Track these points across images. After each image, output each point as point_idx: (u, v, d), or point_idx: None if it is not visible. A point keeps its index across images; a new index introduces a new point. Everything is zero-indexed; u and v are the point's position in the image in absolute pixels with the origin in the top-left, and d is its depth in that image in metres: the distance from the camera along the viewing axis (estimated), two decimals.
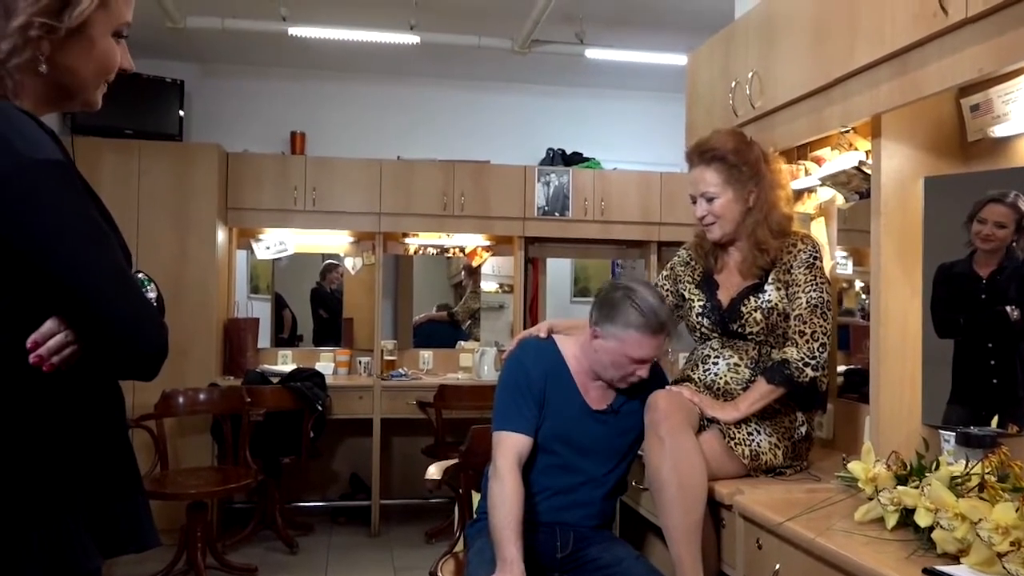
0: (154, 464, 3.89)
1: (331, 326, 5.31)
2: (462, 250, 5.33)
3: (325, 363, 4.98)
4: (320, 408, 4.41)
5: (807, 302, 2.05)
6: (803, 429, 2.13)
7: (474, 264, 5.38)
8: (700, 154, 2.17)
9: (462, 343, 5.30)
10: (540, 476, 2.14)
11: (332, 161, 4.87)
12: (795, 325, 2.05)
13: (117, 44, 1.14)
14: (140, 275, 1.15)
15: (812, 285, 2.07)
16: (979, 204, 1.89)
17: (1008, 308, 1.85)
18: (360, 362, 5.01)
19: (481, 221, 4.95)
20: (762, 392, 2.03)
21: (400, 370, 5.01)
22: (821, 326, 2.03)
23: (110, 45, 1.13)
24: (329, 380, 4.64)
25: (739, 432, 2.03)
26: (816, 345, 2.01)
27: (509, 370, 2.21)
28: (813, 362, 2.01)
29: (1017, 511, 1.38)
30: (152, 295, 1.17)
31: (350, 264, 5.24)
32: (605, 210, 5.02)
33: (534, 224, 5.00)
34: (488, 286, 5.46)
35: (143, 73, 4.66)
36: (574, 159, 5.27)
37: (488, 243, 5.30)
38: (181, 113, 4.88)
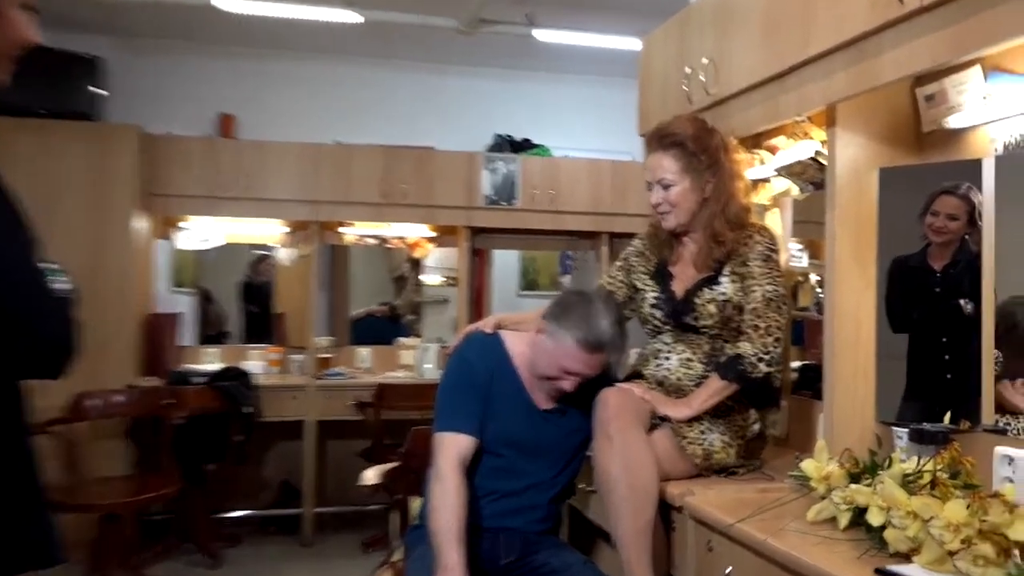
0: (63, 473, 3.77)
1: (262, 322, 5.24)
2: (404, 241, 5.30)
3: (255, 361, 4.91)
4: (248, 410, 4.34)
5: (762, 295, 2.09)
6: (756, 427, 2.18)
7: (416, 256, 5.37)
8: (659, 139, 2.20)
9: (403, 339, 5.28)
10: (484, 479, 2.15)
11: (265, 145, 4.79)
12: (749, 319, 2.09)
13: (25, 17, 1.11)
14: (53, 265, 1.11)
15: (768, 278, 2.11)
16: (932, 196, 1.95)
17: (962, 302, 1.91)
18: (293, 360, 4.95)
19: (424, 210, 4.93)
20: (715, 388, 2.07)
21: (336, 369, 4.97)
22: (776, 320, 2.08)
23: (19, 18, 1.10)
24: (259, 380, 4.58)
25: (691, 431, 2.06)
26: (770, 340, 2.06)
27: (452, 367, 2.21)
28: (767, 357, 2.05)
29: (968, 508, 1.43)
30: (65, 286, 1.14)
31: (283, 255, 5.18)
32: (555, 199, 5.05)
33: (480, 214, 5.00)
34: (431, 279, 5.45)
35: (56, 48, 4.51)
36: (523, 146, 5.28)
37: (431, 234, 5.29)
38: (97, 91, 4.74)
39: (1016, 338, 1.81)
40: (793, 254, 2.58)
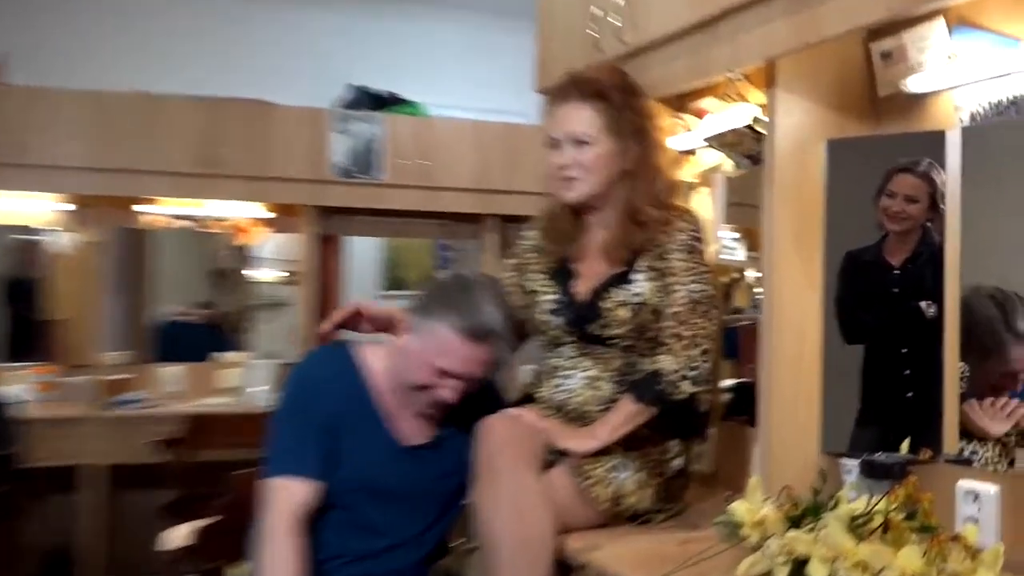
0: None
1: (28, 332, 5.04)
2: (227, 224, 5.22)
3: (18, 385, 4.72)
4: (6, 452, 4.18)
5: (687, 297, 2.17)
6: (678, 462, 2.25)
7: (245, 244, 5.29)
8: (575, 85, 2.25)
9: (225, 354, 5.19)
10: (332, 538, 2.15)
11: (40, 93, 4.60)
12: (671, 326, 2.17)
13: None
14: None
15: (692, 275, 2.19)
16: (888, 174, 2.08)
17: (923, 304, 2.04)
18: (72, 384, 4.79)
19: (256, 184, 4.85)
20: (628, 413, 2.13)
21: (133, 394, 4.83)
22: (703, 328, 2.16)
23: None
24: (24, 410, 4.41)
25: (596, 468, 2.12)
26: (697, 352, 2.14)
27: (289, 392, 2.21)
28: (693, 374, 2.13)
29: (924, 555, 1.55)
30: None
31: (60, 242, 5.01)
32: (429, 172, 5.06)
33: (331, 189, 4.97)
34: (265, 274, 5.39)
35: None
36: (388, 101, 5.26)
37: (266, 214, 5.22)
38: None
39: (980, 342, 1.94)
40: (726, 245, 2.68)
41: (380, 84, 5.36)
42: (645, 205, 2.22)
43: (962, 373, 1.96)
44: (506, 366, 2.27)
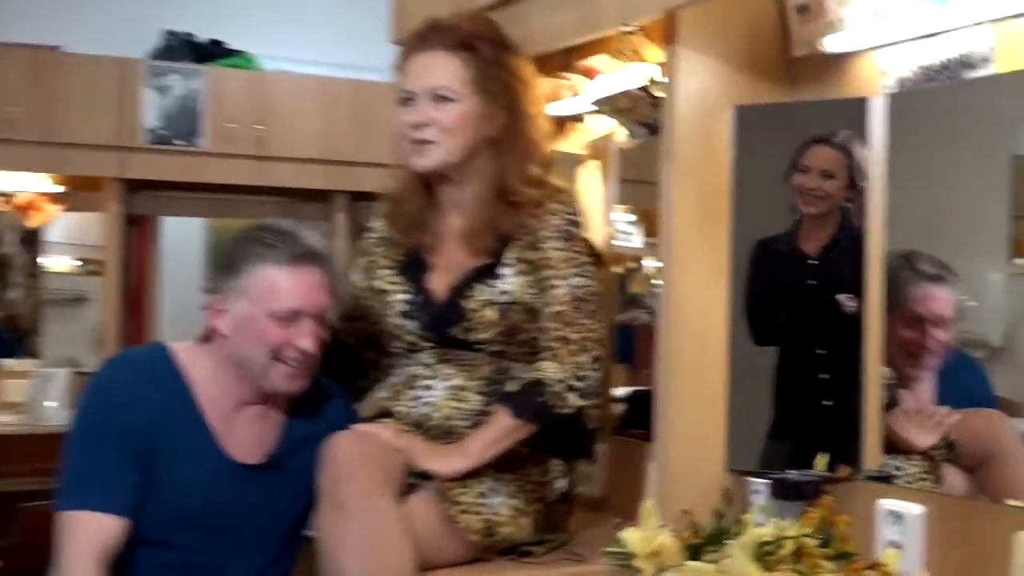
0: None
1: None
2: (8, 200, 5.09)
3: None
4: None
5: (570, 293, 2.21)
6: (561, 484, 2.30)
7: (32, 225, 5.17)
8: (440, 32, 2.27)
9: (7, 362, 5.07)
10: None
11: None
12: (554, 328, 2.21)
13: None
14: None
15: (574, 267, 2.24)
16: (802, 147, 2.16)
17: (842, 298, 2.13)
18: None
19: (44, 150, 4.74)
20: (503, 429, 2.17)
21: None
22: (592, 330, 2.22)
23: None
24: None
25: (465, 493, 2.15)
26: (586, 359, 2.19)
27: (89, 405, 2.18)
28: (581, 385, 2.18)
29: None
30: None
31: None
32: (264, 139, 5.01)
33: (141, 159, 4.88)
34: (57, 263, 5.29)
35: None
36: (212, 52, 5.20)
37: (57, 188, 5.10)
38: None
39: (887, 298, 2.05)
40: (620, 228, 2.74)
41: (203, 30, 5.29)
42: (515, 182, 2.26)
43: (887, 379, 2.07)
44: (344, 296, 2.27)
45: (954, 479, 2.00)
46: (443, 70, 2.25)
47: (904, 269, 2.05)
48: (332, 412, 2.29)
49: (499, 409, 2.19)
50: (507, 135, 2.28)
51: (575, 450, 2.35)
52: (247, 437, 2.21)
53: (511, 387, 2.21)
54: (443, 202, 2.34)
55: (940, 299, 2.03)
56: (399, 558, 2.01)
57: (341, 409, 2.34)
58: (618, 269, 2.75)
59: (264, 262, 2.11)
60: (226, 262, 2.17)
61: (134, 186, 5.01)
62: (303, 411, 2.26)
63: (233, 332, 2.14)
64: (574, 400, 2.18)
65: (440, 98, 2.24)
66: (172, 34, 5.20)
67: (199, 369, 2.20)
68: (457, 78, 2.24)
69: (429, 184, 2.33)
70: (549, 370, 2.18)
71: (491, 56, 2.27)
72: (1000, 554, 1.75)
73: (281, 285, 2.11)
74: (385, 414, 2.31)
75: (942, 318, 2.02)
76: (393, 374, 2.38)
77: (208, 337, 2.21)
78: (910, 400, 2.08)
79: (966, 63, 1.91)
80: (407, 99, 2.27)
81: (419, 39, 2.30)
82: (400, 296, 2.33)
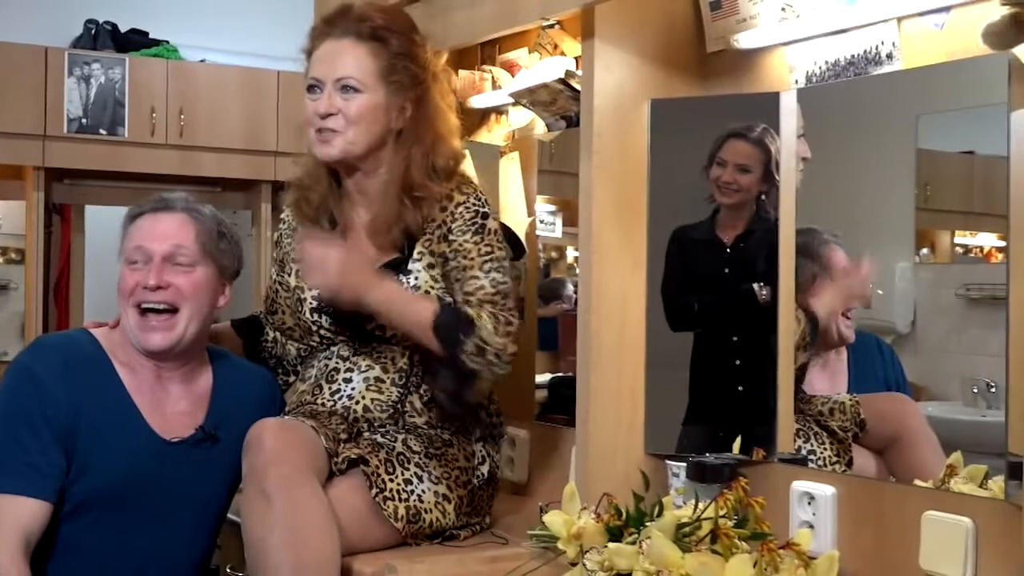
0: None
1: None
2: None
3: None
4: None
5: (493, 287, 2.21)
6: (484, 469, 2.32)
7: None
8: (349, 21, 2.24)
9: None
10: (69, 565, 2.14)
11: None
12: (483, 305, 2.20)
13: None
14: None
15: (491, 261, 2.23)
16: (720, 140, 2.20)
17: (756, 286, 2.18)
18: None
19: None
20: (417, 319, 2.15)
21: None
22: (513, 320, 2.21)
23: None
24: None
25: (392, 480, 2.16)
26: (509, 343, 2.17)
27: (12, 391, 2.17)
28: (498, 361, 2.14)
29: (755, 565, 1.67)
30: None
31: None
32: (187, 128, 5.00)
33: (63, 148, 4.85)
34: None
35: None
36: (134, 42, 5.16)
37: None
38: None
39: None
40: (542, 219, 2.77)
41: (125, 20, 5.24)
42: (420, 176, 2.25)
43: (800, 364, 2.12)
44: (234, 257, 2.29)
45: (864, 461, 2.04)
46: (351, 60, 2.22)
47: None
48: (257, 385, 2.35)
49: (432, 309, 2.16)
50: (414, 127, 2.27)
51: (453, 414, 2.29)
52: (174, 414, 2.22)
53: (451, 311, 2.17)
54: (349, 191, 2.33)
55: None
56: (325, 544, 2.01)
57: (266, 381, 2.40)
58: (542, 258, 2.78)
59: (131, 219, 2.21)
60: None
61: (56, 175, 4.97)
62: (229, 385, 2.29)
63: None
64: (488, 365, 2.13)
65: (347, 88, 2.21)
66: (93, 23, 5.14)
67: (117, 347, 2.22)
68: (365, 69, 2.22)
69: (336, 173, 2.32)
70: (488, 326, 2.14)
71: (400, 48, 2.25)
72: (908, 533, 1.80)
73: (133, 231, 2.20)
74: (303, 404, 2.30)
75: None
76: (311, 365, 2.39)
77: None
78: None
79: (872, 59, 1.95)
80: (313, 86, 2.25)
81: (328, 24, 2.27)
82: (311, 292, 2.32)
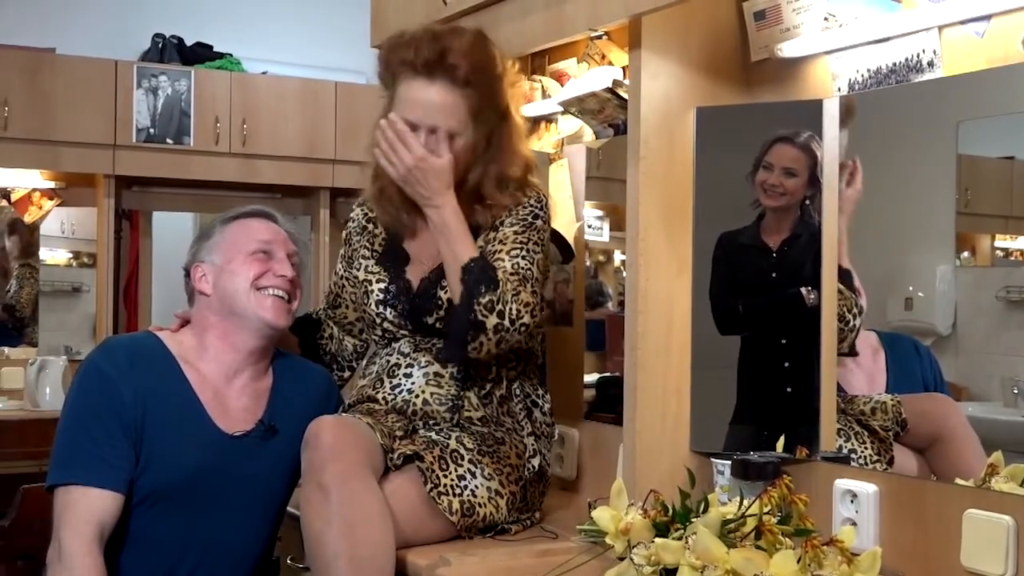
0: None
1: None
2: (6, 196, 5.06)
3: None
4: None
5: (513, 268, 2.18)
6: (535, 463, 2.31)
7: (27, 219, 5.14)
8: (439, 63, 2.20)
9: (6, 350, 5.05)
10: (139, 555, 2.15)
11: None
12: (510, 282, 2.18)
13: None
14: None
15: (520, 247, 2.23)
16: (766, 144, 2.17)
17: (804, 290, 2.15)
18: None
19: (39, 148, 4.73)
20: (459, 253, 2.17)
21: None
22: (534, 306, 2.18)
23: None
24: None
25: (446, 476, 2.15)
26: (527, 312, 2.15)
27: (83, 388, 2.18)
28: (513, 324, 2.12)
29: (799, 561, 1.64)
30: None
31: None
32: (249, 137, 5.02)
33: (132, 156, 4.88)
34: (53, 255, 5.26)
35: None
36: (199, 55, 5.19)
37: (50, 184, 5.08)
38: None
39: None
40: (589, 223, 2.75)
41: (191, 34, 5.27)
42: (493, 189, 2.28)
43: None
44: (304, 248, 2.41)
45: (906, 460, 2.02)
46: (446, 105, 2.21)
47: None
48: (315, 382, 2.37)
49: (471, 253, 2.18)
50: (495, 148, 2.30)
51: (456, 351, 2.23)
52: (237, 408, 2.24)
53: (486, 263, 2.17)
54: None
55: None
56: (380, 537, 2.01)
57: (324, 378, 2.42)
58: (589, 262, 2.77)
59: (229, 220, 2.30)
60: (196, 240, 2.35)
61: (125, 182, 5.02)
62: (287, 382, 2.32)
63: (215, 283, 2.24)
64: (492, 323, 2.12)
65: (439, 130, 2.22)
66: (160, 37, 5.19)
67: (184, 348, 2.25)
68: (459, 117, 2.23)
69: None
70: (509, 291, 2.14)
71: (488, 88, 2.25)
72: (950, 531, 1.78)
73: (251, 228, 2.28)
74: (366, 399, 2.31)
75: None
76: (373, 362, 2.40)
77: (187, 320, 2.30)
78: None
79: (913, 67, 1.92)
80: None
81: (425, 68, 2.21)
82: (379, 285, 2.34)
